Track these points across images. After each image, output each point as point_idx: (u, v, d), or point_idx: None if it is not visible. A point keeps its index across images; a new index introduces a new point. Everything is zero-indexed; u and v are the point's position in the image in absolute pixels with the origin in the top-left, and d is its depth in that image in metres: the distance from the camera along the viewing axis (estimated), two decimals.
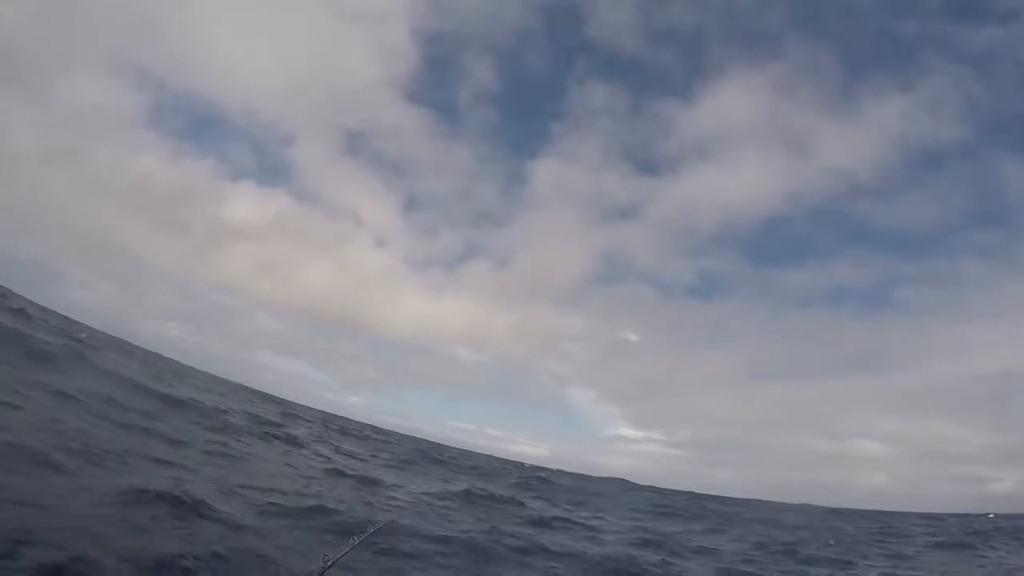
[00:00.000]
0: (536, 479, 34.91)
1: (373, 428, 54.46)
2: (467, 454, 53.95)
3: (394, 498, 16.49)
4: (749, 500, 43.85)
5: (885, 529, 28.36)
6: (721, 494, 49.16)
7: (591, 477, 51.99)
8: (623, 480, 53.28)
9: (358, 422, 56.37)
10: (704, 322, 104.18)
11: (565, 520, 18.69)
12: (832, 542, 21.15)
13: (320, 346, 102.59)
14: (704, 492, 48.94)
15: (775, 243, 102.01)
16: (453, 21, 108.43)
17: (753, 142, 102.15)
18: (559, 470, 53.26)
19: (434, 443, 58.58)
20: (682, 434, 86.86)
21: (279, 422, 29.04)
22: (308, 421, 38.85)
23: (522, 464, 54.10)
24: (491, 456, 57.59)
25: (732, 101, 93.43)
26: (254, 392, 50.28)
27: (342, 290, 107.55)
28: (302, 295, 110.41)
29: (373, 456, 28.87)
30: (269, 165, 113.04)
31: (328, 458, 22.49)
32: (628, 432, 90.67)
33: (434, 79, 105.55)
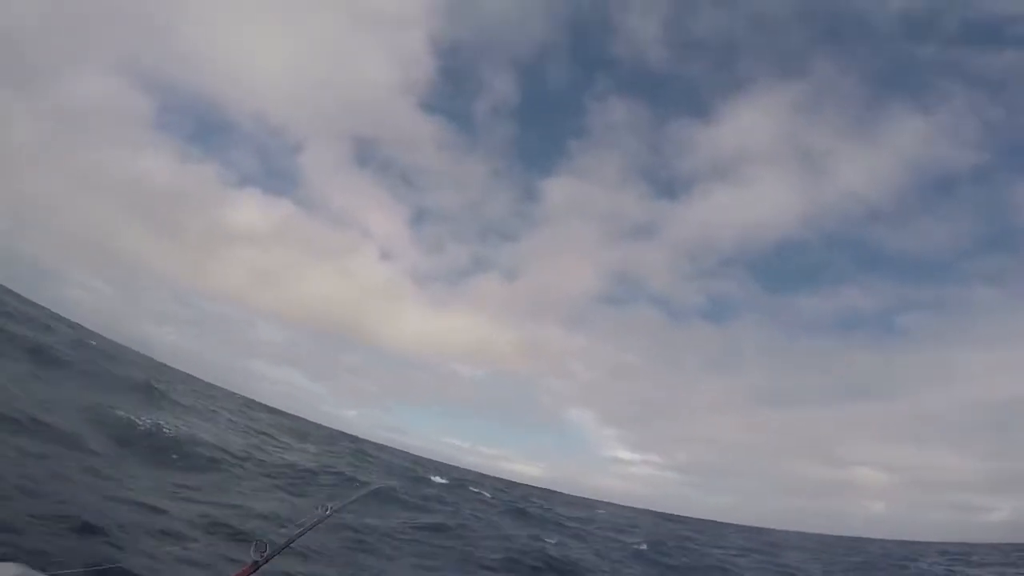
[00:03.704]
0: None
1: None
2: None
3: None
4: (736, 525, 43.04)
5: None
6: (717, 519, 48.45)
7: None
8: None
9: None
10: (711, 345, 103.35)
11: None
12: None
13: (318, 357, 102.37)
14: (697, 517, 48.21)
15: (788, 267, 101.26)
16: (473, 30, 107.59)
17: (772, 163, 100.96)
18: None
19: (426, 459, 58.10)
20: (679, 458, 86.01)
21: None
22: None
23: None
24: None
25: (753, 120, 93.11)
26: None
27: (344, 301, 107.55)
28: (302, 305, 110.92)
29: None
30: (275, 172, 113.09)
31: None
32: (624, 454, 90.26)
33: (451, 89, 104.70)
